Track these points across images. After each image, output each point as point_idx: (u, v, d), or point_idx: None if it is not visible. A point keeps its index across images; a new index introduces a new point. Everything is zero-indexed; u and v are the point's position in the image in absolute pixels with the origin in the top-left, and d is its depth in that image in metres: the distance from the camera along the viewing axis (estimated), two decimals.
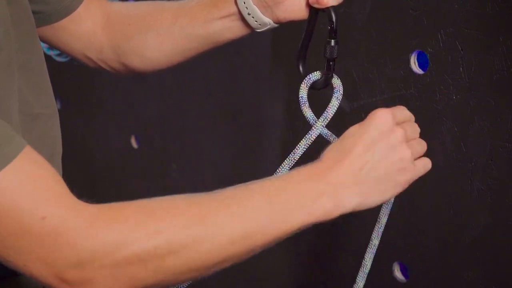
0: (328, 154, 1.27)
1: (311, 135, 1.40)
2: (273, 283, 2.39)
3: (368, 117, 1.29)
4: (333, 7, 1.42)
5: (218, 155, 2.54)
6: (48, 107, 1.42)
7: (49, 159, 1.24)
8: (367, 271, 1.47)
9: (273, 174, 1.41)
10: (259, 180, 1.28)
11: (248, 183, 1.27)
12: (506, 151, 1.74)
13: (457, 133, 1.82)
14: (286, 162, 1.40)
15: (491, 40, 1.72)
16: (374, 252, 1.46)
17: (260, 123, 2.36)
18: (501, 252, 1.79)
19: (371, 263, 1.46)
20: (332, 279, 2.21)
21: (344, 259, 2.14)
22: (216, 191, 1.24)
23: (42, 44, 1.50)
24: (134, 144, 2.89)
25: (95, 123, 3.06)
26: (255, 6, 1.48)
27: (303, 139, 1.40)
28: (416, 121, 1.92)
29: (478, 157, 1.79)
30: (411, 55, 1.87)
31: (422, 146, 1.35)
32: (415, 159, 1.33)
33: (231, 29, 1.54)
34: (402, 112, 1.35)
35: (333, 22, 1.41)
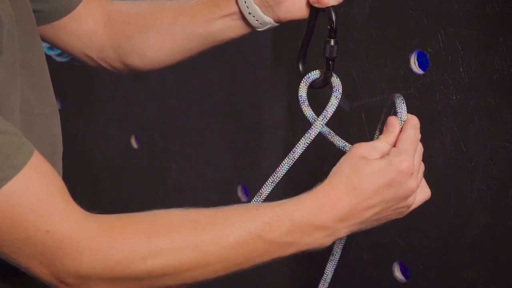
0: (340, 183, 1.29)
1: (310, 134, 1.40)
2: (273, 283, 2.39)
3: (394, 161, 1.30)
4: (333, 6, 1.43)
5: (218, 155, 2.54)
6: (49, 107, 1.42)
7: (50, 158, 1.24)
8: None
9: (272, 174, 1.41)
10: (263, 205, 1.29)
11: (250, 207, 1.28)
12: (506, 151, 1.74)
13: (457, 133, 1.82)
14: (286, 161, 1.40)
15: (491, 40, 1.72)
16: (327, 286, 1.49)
17: (260, 123, 2.36)
18: (501, 252, 1.79)
19: None
20: (332, 278, 2.21)
21: (344, 259, 2.14)
22: (217, 211, 1.27)
23: (43, 44, 1.50)
24: (134, 144, 2.89)
25: (95, 123, 3.06)
26: (256, 6, 1.49)
27: (303, 138, 1.40)
28: None
29: (478, 157, 1.79)
30: (411, 55, 1.87)
31: (426, 191, 1.40)
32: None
33: (231, 28, 1.54)
34: (421, 155, 1.38)
35: (333, 21, 1.41)
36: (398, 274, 2.01)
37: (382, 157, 1.31)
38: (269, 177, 1.41)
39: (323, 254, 2.25)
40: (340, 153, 1.41)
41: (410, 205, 1.37)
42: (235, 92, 2.45)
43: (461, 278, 1.86)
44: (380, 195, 1.30)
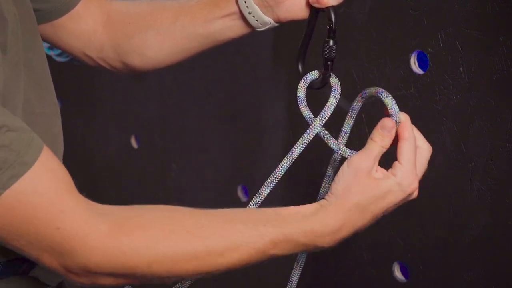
0: (348, 210, 1.31)
1: (308, 134, 1.40)
2: (273, 283, 2.39)
3: (404, 185, 1.33)
4: (333, 7, 1.42)
5: (218, 155, 2.54)
6: (50, 106, 1.42)
7: None
8: None
9: (271, 174, 1.41)
10: (270, 220, 1.31)
11: (257, 222, 1.30)
12: (506, 151, 1.74)
13: (457, 133, 1.82)
14: (284, 161, 1.40)
15: (491, 40, 1.72)
16: None
17: (260, 123, 2.36)
18: (501, 252, 1.79)
19: None
20: (332, 279, 2.21)
21: (344, 259, 2.14)
22: (225, 221, 1.30)
23: (43, 44, 1.50)
24: (134, 144, 2.89)
25: (95, 123, 3.06)
26: (256, 6, 1.49)
27: (301, 138, 1.40)
28: (416, 121, 1.92)
29: (478, 157, 1.79)
30: (411, 55, 1.87)
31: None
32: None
33: (231, 28, 1.54)
34: (424, 157, 1.40)
35: (332, 21, 1.41)
36: (398, 274, 2.01)
37: (387, 173, 1.33)
38: (269, 177, 1.42)
39: (323, 254, 2.25)
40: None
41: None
42: (235, 92, 2.45)
43: (461, 278, 1.86)
44: (387, 210, 1.35)
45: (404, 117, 1.35)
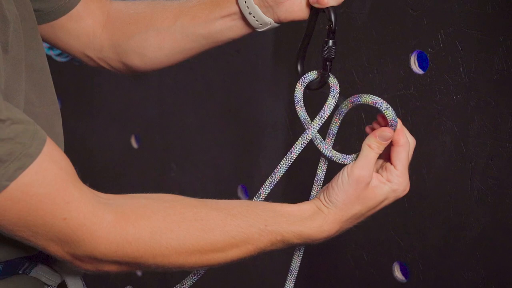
0: (348, 219, 1.35)
1: (307, 134, 1.40)
2: (272, 283, 2.39)
3: (399, 191, 1.36)
4: (333, 7, 1.42)
5: (218, 155, 2.54)
6: (50, 105, 1.42)
7: None
8: None
9: (271, 175, 1.41)
10: (270, 221, 1.34)
11: (259, 221, 1.33)
12: (506, 151, 1.74)
13: (457, 133, 1.82)
14: (283, 162, 1.40)
15: (491, 40, 1.72)
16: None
17: (260, 123, 2.36)
18: (501, 252, 1.79)
19: None
20: (332, 279, 2.21)
21: (344, 259, 2.14)
22: (227, 215, 1.32)
23: (43, 44, 1.50)
24: (134, 144, 2.89)
25: (95, 123, 3.05)
26: (256, 6, 1.48)
27: (300, 139, 1.40)
28: (416, 121, 1.92)
29: (478, 157, 1.79)
30: (411, 55, 1.87)
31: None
32: None
33: (232, 29, 1.54)
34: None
35: (332, 22, 1.41)
36: (398, 274, 2.01)
37: (382, 179, 1.36)
38: (268, 177, 1.42)
39: (323, 254, 2.25)
40: (340, 152, 1.41)
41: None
42: (235, 92, 2.45)
43: (461, 278, 1.86)
44: (375, 209, 1.38)
45: (399, 124, 1.37)
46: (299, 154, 1.40)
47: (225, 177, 2.53)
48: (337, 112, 1.41)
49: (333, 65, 1.43)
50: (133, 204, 1.28)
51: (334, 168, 1.39)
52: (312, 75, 1.44)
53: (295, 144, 1.40)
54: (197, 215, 1.29)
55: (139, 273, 2.84)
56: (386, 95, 1.91)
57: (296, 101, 1.42)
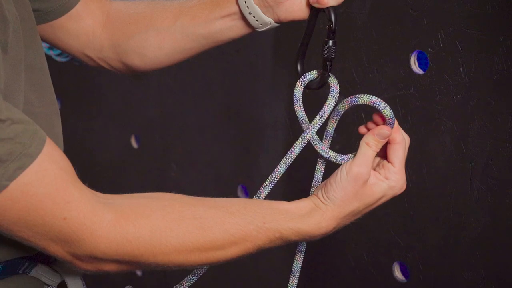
0: (346, 216, 1.36)
1: (307, 134, 1.40)
2: (272, 282, 2.39)
3: (396, 188, 1.37)
4: (333, 7, 1.42)
5: (218, 155, 2.54)
6: (50, 106, 1.42)
7: None
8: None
9: (270, 175, 1.41)
10: (269, 219, 1.34)
11: (257, 219, 1.34)
12: (506, 151, 1.74)
13: (457, 133, 1.82)
14: (283, 161, 1.40)
15: (491, 40, 1.72)
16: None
17: (260, 123, 2.36)
18: (501, 252, 1.79)
19: None
20: (332, 278, 2.21)
21: (344, 259, 2.14)
22: (225, 213, 1.32)
23: (42, 44, 1.50)
24: (134, 144, 2.89)
25: (95, 123, 3.05)
26: (256, 6, 1.48)
27: (300, 138, 1.40)
28: (416, 121, 1.92)
29: (478, 157, 1.79)
30: (411, 55, 1.87)
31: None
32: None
33: (232, 29, 1.54)
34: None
35: (332, 22, 1.41)
36: (398, 274, 2.01)
37: (380, 176, 1.37)
38: (268, 177, 1.42)
39: (323, 253, 2.25)
40: (340, 151, 1.41)
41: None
42: (235, 92, 2.45)
43: (461, 278, 1.86)
44: (373, 206, 1.39)
45: (395, 122, 1.39)
46: (299, 154, 1.40)
47: (225, 177, 2.53)
48: (333, 113, 1.41)
49: (333, 65, 1.43)
50: (132, 203, 1.28)
51: (332, 169, 1.39)
52: (312, 74, 1.44)
53: (294, 144, 1.40)
54: (195, 213, 1.29)
55: (139, 273, 2.84)
56: (386, 95, 1.91)
57: (295, 100, 1.42)
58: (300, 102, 1.42)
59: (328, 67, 1.42)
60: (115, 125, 2.96)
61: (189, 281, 1.49)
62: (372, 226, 2.00)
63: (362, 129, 1.40)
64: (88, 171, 3.07)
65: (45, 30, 1.58)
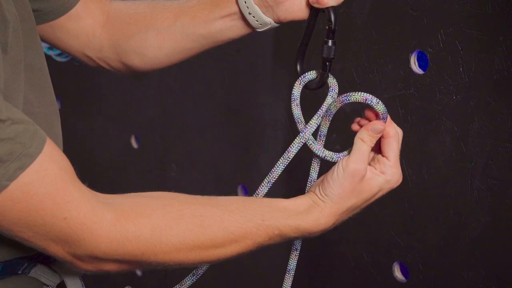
0: (343, 212, 1.36)
1: (305, 134, 1.40)
2: (271, 280, 2.39)
3: (392, 182, 1.38)
4: (333, 7, 1.42)
5: (218, 155, 2.54)
6: (49, 106, 1.42)
7: None
8: None
9: (268, 174, 1.41)
10: (268, 216, 1.35)
11: (257, 216, 1.35)
12: (506, 151, 1.74)
13: (457, 133, 1.82)
14: (281, 161, 1.40)
15: (491, 40, 1.72)
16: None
17: (260, 123, 2.36)
18: (501, 252, 1.79)
19: None
20: (332, 278, 2.21)
21: (344, 259, 2.14)
22: (224, 211, 1.33)
23: (42, 44, 1.50)
24: (134, 144, 2.89)
25: (95, 123, 3.06)
26: (256, 6, 1.48)
27: (297, 138, 1.40)
28: (416, 121, 1.92)
29: (478, 157, 1.79)
30: (411, 55, 1.87)
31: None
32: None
33: (231, 29, 1.54)
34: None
35: (332, 22, 1.41)
36: (398, 274, 2.01)
37: (376, 171, 1.37)
38: (265, 177, 1.42)
39: (323, 253, 2.25)
40: (340, 152, 1.41)
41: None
42: (235, 92, 2.45)
43: (461, 278, 1.86)
44: (370, 200, 1.39)
45: (388, 116, 1.39)
46: (296, 154, 1.40)
47: (225, 177, 2.53)
48: (325, 113, 1.41)
49: (333, 65, 1.43)
50: (132, 202, 1.28)
51: (327, 169, 1.39)
52: (311, 74, 1.44)
53: (292, 143, 1.40)
54: (195, 211, 1.29)
55: (139, 273, 2.84)
56: (386, 95, 1.91)
57: (293, 99, 1.43)
58: (298, 101, 1.42)
59: (328, 67, 1.42)
60: (115, 125, 2.96)
61: (188, 281, 1.49)
62: (372, 226, 2.00)
63: (354, 126, 1.41)
64: (88, 171, 3.07)
65: (45, 30, 1.58)
